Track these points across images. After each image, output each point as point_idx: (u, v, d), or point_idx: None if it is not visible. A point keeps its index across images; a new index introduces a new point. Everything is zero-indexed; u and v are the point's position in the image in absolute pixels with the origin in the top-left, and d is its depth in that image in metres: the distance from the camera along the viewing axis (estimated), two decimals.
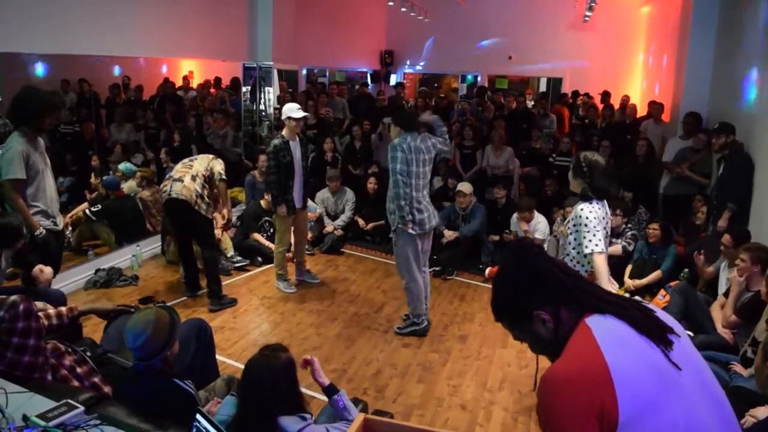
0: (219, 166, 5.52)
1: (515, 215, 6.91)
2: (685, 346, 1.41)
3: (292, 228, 6.11)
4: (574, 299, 1.45)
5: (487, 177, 8.24)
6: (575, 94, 12.64)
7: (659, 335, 1.36)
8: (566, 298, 1.45)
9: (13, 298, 2.64)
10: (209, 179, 5.42)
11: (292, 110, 5.70)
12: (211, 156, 5.65)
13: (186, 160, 5.58)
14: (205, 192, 5.35)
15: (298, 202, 5.88)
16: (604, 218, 3.43)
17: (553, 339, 1.45)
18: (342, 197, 7.67)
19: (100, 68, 7.45)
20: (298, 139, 5.79)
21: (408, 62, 15.41)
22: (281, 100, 9.26)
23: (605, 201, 3.50)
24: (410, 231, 4.79)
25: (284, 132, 5.73)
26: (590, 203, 3.39)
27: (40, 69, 6.16)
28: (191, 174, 5.32)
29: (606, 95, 11.54)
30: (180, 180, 5.29)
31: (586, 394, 1.26)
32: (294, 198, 5.81)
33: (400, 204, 4.72)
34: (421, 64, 15.31)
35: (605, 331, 1.35)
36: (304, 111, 5.92)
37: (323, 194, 7.69)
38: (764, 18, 5.63)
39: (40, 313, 2.83)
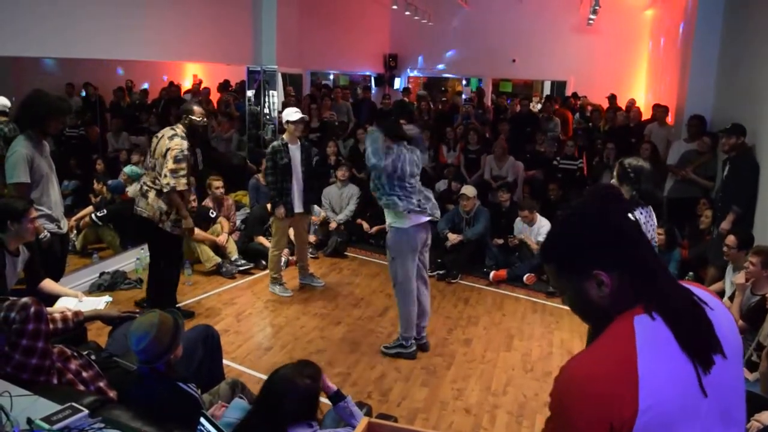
0: (169, 179, 4.72)
1: (518, 219, 6.92)
2: (724, 371, 1.26)
3: (293, 232, 6.10)
4: (644, 276, 1.27)
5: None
6: (575, 96, 12.63)
7: (703, 356, 1.22)
8: (637, 272, 1.27)
9: (24, 299, 2.66)
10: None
11: (290, 114, 5.71)
12: (166, 149, 4.77)
13: (154, 158, 4.92)
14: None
15: (297, 206, 5.83)
16: (647, 223, 3.30)
17: (599, 307, 1.30)
18: (347, 191, 7.72)
19: (105, 71, 7.47)
20: (299, 142, 5.79)
21: (419, 64, 15.38)
22: (285, 105, 9.29)
23: (651, 207, 3.38)
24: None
25: (285, 135, 5.76)
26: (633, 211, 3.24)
27: (47, 72, 6.19)
28: (156, 190, 4.89)
29: (613, 98, 11.53)
30: (145, 196, 4.94)
31: (606, 404, 1.16)
32: (293, 201, 5.78)
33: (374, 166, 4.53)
34: (441, 66, 15.24)
35: (649, 342, 1.21)
36: (308, 115, 5.88)
37: (329, 190, 7.71)
38: None
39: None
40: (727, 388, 1.27)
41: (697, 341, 1.23)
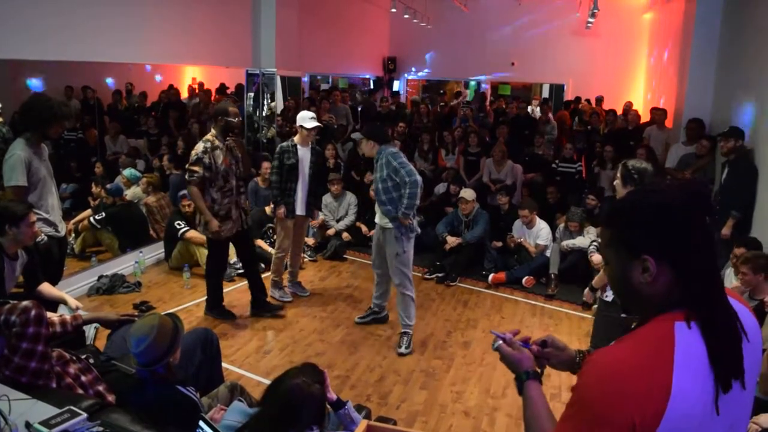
0: (187, 175, 5.05)
1: (518, 221, 6.93)
2: (738, 398, 1.25)
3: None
4: (699, 285, 1.23)
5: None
6: (577, 100, 12.66)
7: (726, 377, 1.21)
8: (693, 278, 1.23)
9: (25, 303, 2.66)
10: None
11: (305, 119, 5.65)
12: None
13: None
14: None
15: (299, 208, 5.80)
16: None
17: (636, 291, 1.27)
18: (344, 201, 7.68)
19: (103, 75, 7.47)
20: (310, 145, 5.76)
21: (413, 69, 15.43)
22: (286, 109, 9.29)
23: None
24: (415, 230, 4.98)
25: (296, 138, 5.72)
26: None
27: (43, 76, 6.17)
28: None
29: (599, 100, 11.56)
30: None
31: (635, 403, 1.15)
32: (296, 202, 5.75)
33: (414, 203, 4.81)
34: (425, 71, 15.34)
35: (687, 354, 1.19)
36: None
37: (326, 199, 7.69)
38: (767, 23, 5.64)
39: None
40: (736, 412, 1.27)
41: (726, 366, 1.21)
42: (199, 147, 5.01)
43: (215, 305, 5.49)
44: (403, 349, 4.93)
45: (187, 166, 5.04)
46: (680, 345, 1.20)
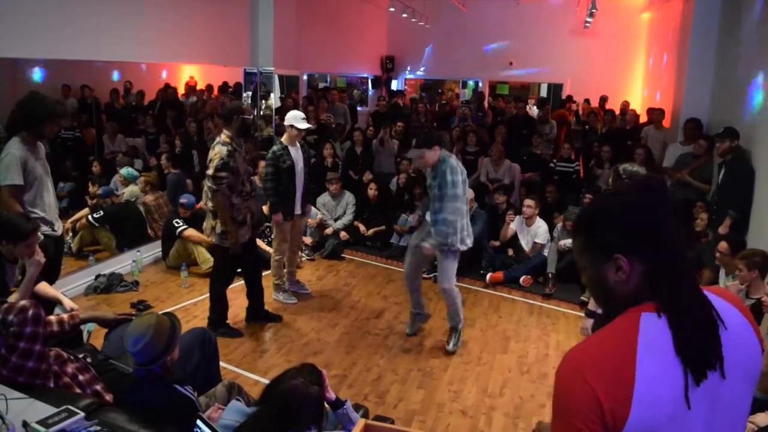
0: (210, 183, 4.72)
1: (517, 218, 6.93)
2: (720, 390, 1.22)
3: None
4: (667, 276, 1.25)
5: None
6: (569, 99, 12.67)
7: (697, 366, 1.19)
8: (662, 270, 1.25)
9: (23, 302, 2.65)
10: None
11: (297, 119, 5.54)
12: (209, 160, 4.80)
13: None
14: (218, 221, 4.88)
15: (297, 208, 5.75)
16: None
17: (613, 291, 1.29)
18: (342, 200, 7.67)
19: (101, 73, 7.46)
20: (298, 144, 5.67)
21: (409, 68, 15.44)
22: (284, 108, 9.28)
23: None
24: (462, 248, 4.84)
25: (284, 138, 5.62)
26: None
27: (38, 74, 6.17)
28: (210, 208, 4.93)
29: (603, 100, 11.57)
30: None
31: (597, 397, 1.15)
32: (295, 204, 5.69)
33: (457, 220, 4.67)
34: (421, 69, 15.34)
35: (651, 343, 1.20)
36: (306, 117, 5.80)
37: (324, 198, 7.70)
38: (765, 24, 5.64)
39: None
40: (719, 407, 1.24)
41: (693, 351, 1.20)
42: (222, 151, 4.68)
43: (220, 324, 5.07)
44: (451, 346, 4.97)
45: (210, 172, 4.68)
46: (644, 334, 1.21)
